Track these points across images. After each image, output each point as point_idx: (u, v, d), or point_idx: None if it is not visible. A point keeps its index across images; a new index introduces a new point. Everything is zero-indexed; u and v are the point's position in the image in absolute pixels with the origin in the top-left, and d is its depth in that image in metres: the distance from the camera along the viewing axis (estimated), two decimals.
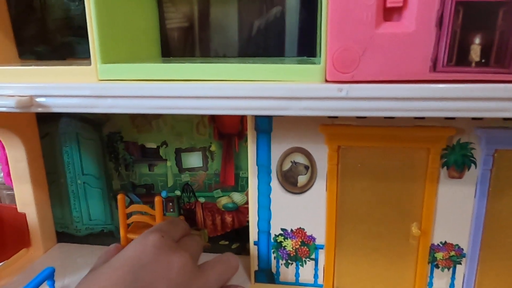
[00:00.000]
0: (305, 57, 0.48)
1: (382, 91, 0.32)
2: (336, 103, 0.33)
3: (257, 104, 0.34)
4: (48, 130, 0.57)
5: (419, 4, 0.30)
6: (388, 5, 0.31)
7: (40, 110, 0.38)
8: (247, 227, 0.56)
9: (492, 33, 0.30)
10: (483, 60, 0.30)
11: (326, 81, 0.33)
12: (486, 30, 0.30)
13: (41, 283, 0.39)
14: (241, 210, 0.56)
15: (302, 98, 0.33)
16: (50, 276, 0.40)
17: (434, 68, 0.31)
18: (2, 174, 0.69)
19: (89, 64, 0.41)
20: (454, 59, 0.31)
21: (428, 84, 0.31)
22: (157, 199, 0.50)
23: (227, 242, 0.58)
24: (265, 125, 0.45)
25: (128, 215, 0.52)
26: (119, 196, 0.52)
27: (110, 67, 0.37)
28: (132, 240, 0.51)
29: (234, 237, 0.57)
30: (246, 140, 0.53)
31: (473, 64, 0.31)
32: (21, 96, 0.37)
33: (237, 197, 0.56)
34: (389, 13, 0.32)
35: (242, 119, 0.53)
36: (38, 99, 0.37)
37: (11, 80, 0.38)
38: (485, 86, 0.31)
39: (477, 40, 0.30)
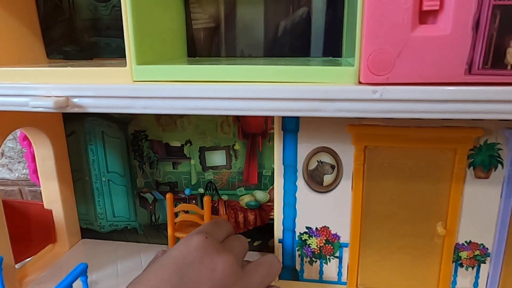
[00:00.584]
0: (330, 57, 0.49)
1: (416, 93, 0.32)
2: (370, 105, 0.33)
3: (293, 105, 0.34)
4: (73, 128, 0.58)
5: (455, 8, 0.30)
6: (425, 8, 0.31)
7: (76, 110, 0.38)
8: (269, 225, 0.57)
9: None
10: None
11: (360, 83, 0.34)
12: None
13: (75, 278, 0.40)
14: (264, 208, 0.57)
15: (336, 100, 0.34)
16: (83, 272, 0.42)
17: (469, 70, 0.31)
18: (28, 171, 0.70)
19: (119, 64, 0.42)
20: (490, 62, 0.31)
21: (463, 87, 0.32)
22: (205, 199, 0.51)
23: (249, 240, 0.58)
24: (292, 125, 0.46)
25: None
26: (168, 196, 0.53)
27: (144, 69, 0.38)
28: (179, 238, 0.53)
29: (257, 234, 0.58)
30: (270, 140, 0.54)
31: (509, 67, 0.31)
32: (58, 97, 0.38)
33: (260, 195, 0.56)
34: (425, 16, 0.32)
35: (266, 119, 0.53)
36: (74, 100, 0.38)
37: (48, 81, 0.38)
38: None
39: None
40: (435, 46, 0.31)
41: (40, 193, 0.77)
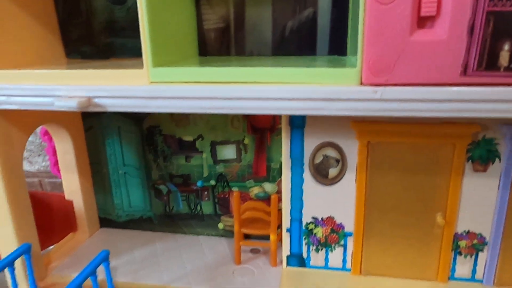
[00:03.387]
0: (335, 56, 0.51)
1: (415, 93, 0.35)
2: (371, 104, 0.36)
3: (298, 105, 0.37)
4: (91, 123, 0.61)
5: (452, 14, 0.32)
6: (422, 14, 0.33)
7: (97, 109, 0.41)
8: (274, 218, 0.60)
9: None
10: (511, 66, 0.33)
11: (361, 83, 0.36)
12: None
13: (99, 264, 0.44)
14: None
15: (339, 100, 0.36)
16: (106, 258, 0.45)
17: (464, 72, 0.34)
18: (48, 164, 0.74)
19: (136, 64, 0.44)
20: (484, 64, 0.33)
21: (459, 87, 0.34)
22: (273, 197, 0.52)
23: None
24: (299, 121, 0.48)
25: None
26: (235, 193, 0.54)
27: (160, 71, 0.40)
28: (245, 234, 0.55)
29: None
30: (278, 134, 0.56)
31: (502, 69, 0.33)
32: (80, 97, 0.41)
33: (268, 187, 0.59)
34: (422, 21, 0.34)
35: (274, 115, 0.56)
36: (95, 100, 0.41)
37: (71, 83, 0.41)
38: None
39: (506, 47, 0.32)
40: (432, 50, 0.33)
41: (59, 184, 0.81)
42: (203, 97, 0.39)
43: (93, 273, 0.43)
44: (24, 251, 0.47)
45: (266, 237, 0.56)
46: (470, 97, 0.34)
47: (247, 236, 0.58)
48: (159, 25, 0.41)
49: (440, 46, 0.33)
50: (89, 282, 0.44)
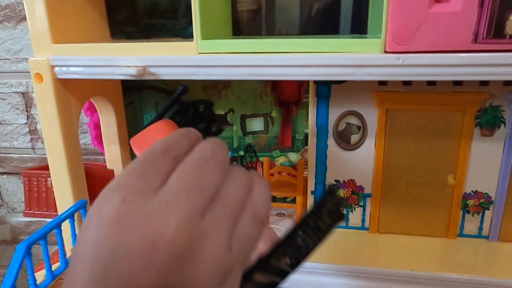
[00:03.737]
0: (357, 34, 0.56)
1: (432, 59, 0.40)
2: (394, 70, 0.41)
3: (330, 71, 0.42)
4: (131, 99, 0.67)
5: None
6: None
7: (151, 77, 0.47)
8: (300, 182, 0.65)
9: None
10: None
11: (385, 52, 0.42)
12: None
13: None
14: (296, 168, 0.66)
15: (366, 66, 0.42)
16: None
17: (475, 40, 0.39)
18: (85, 142, 0.80)
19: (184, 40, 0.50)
20: (492, 33, 0.39)
21: (470, 53, 0.39)
22: (300, 161, 0.57)
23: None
24: (325, 92, 0.54)
25: None
26: (265, 159, 0.59)
27: (207, 43, 0.46)
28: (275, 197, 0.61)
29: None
30: (303, 107, 0.62)
31: (508, 37, 0.38)
32: (137, 67, 0.46)
33: (293, 156, 0.65)
34: None
35: (300, 89, 0.61)
36: (151, 69, 0.47)
37: (129, 54, 0.47)
38: None
39: (511, 17, 0.38)
40: (447, 21, 0.39)
41: (93, 160, 0.87)
42: (244, 65, 0.45)
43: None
44: (81, 206, 0.53)
45: (291, 201, 0.61)
46: (480, 61, 0.40)
47: (273, 200, 0.64)
48: (206, 4, 0.47)
49: (454, 17, 0.39)
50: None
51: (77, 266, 0.18)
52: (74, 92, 0.54)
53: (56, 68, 0.49)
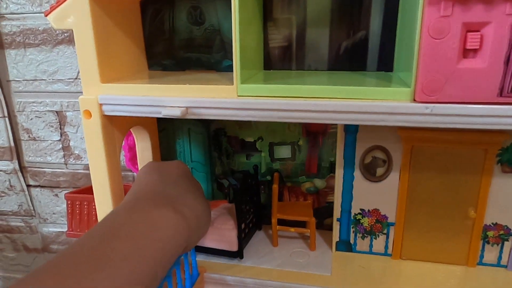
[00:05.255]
0: (383, 72, 0.59)
1: (459, 109, 0.43)
2: (423, 118, 0.44)
3: (360, 117, 0.45)
4: (165, 125, 0.71)
5: (492, 47, 0.41)
6: (468, 47, 0.42)
7: (193, 117, 0.51)
8: (325, 207, 0.69)
9: None
10: None
11: (414, 100, 0.45)
12: None
13: None
14: (321, 193, 0.69)
15: (396, 114, 0.45)
16: None
17: (500, 94, 0.42)
18: (124, 159, 0.84)
19: (208, 76, 0.54)
20: None
21: (495, 106, 0.42)
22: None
23: None
24: (353, 127, 0.57)
25: None
26: (274, 187, 0.64)
27: (246, 87, 0.49)
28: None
29: (314, 214, 0.70)
30: (329, 137, 0.65)
31: None
32: (181, 107, 0.50)
33: (318, 182, 0.68)
34: (467, 53, 0.42)
35: None
36: (193, 110, 0.50)
37: (173, 95, 0.51)
38: None
39: None
40: (474, 75, 0.42)
41: (126, 176, 0.91)
42: (278, 109, 0.48)
43: None
44: None
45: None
46: (504, 113, 0.42)
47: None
48: (244, 48, 0.51)
49: (481, 72, 0.42)
50: None
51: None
52: (118, 125, 0.58)
53: (104, 106, 0.53)
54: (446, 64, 0.42)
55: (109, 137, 0.56)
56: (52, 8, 0.51)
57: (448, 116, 0.44)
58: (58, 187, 0.99)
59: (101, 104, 0.53)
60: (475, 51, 0.42)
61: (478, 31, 0.41)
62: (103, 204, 0.58)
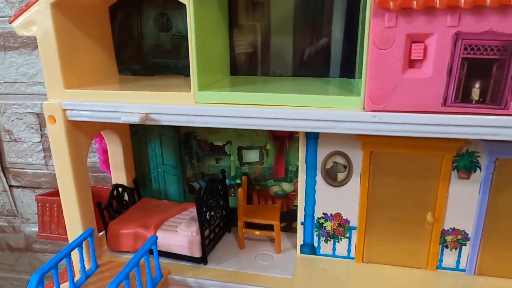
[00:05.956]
0: (345, 78, 0.60)
1: (405, 118, 0.44)
2: (371, 126, 0.45)
3: (316, 124, 0.47)
4: (137, 129, 0.72)
5: (435, 58, 0.42)
6: (412, 57, 0.43)
7: (152, 123, 0.52)
8: (293, 210, 0.70)
9: (488, 80, 0.41)
10: (481, 99, 0.42)
11: (364, 109, 0.46)
12: (483, 78, 0.41)
13: (149, 247, 0.55)
14: (289, 197, 0.70)
15: (346, 121, 0.46)
16: (154, 242, 0.56)
17: (444, 103, 0.43)
18: (93, 161, 0.85)
19: (177, 82, 0.55)
20: (460, 98, 0.42)
21: (440, 115, 0.43)
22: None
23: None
24: (314, 134, 0.58)
25: None
26: (239, 190, 0.65)
27: (204, 94, 0.50)
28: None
29: (282, 218, 0.71)
30: (295, 142, 0.66)
31: (474, 102, 0.42)
32: (140, 113, 0.51)
33: (286, 186, 0.69)
34: (412, 63, 0.43)
35: None
36: (152, 116, 0.51)
37: (133, 101, 0.52)
38: (481, 117, 0.42)
39: (477, 85, 0.42)
40: (419, 85, 0.43)
41: (101, 178, 0.93)
42: (237, 116, 0.49)
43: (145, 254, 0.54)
44: (89, 234, 0.58)
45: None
46: (448, 122, 0.43)
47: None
48: (207, 54, 0.52)
49: (425, 82, 0.43)
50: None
51: None
52: (84, 130, 0.59)
53: (68, 112, 0.54)
54: (392, 74, 0.43)
55: (74, 141, 0.57)
56: (16, 16, 0.52)
57: (395, 124, 0.45)
58: (39, 188, 1.00)
59: (64, 110, 0.54)
60: (420, 61, 0.43)
61: (422, 42, 0.42)
62: (70, 207, 0.59)
